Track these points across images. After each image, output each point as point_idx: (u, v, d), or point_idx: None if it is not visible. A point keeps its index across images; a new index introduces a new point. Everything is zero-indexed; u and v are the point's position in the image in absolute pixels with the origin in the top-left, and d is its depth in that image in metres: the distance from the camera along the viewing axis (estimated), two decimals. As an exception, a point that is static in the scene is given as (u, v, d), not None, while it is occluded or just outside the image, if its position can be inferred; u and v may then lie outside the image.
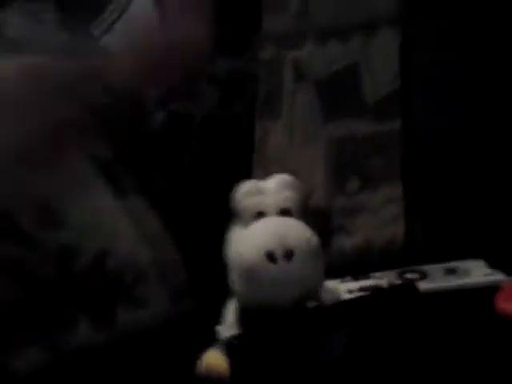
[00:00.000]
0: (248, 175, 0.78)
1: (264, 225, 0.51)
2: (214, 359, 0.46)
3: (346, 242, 0.78)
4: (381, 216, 0.80)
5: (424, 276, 0.67)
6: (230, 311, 0.54)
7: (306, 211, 0.54)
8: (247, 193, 0.52)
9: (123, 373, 0.53)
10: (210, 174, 0.75)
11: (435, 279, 0.67)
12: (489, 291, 0.62)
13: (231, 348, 0.45)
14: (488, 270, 0.69)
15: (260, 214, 0.52)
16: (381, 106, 0.81)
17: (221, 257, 0.58)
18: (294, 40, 0.77)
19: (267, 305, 0.49)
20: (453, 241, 0.76)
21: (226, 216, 0.60)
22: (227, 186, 0.62)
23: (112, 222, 0.60)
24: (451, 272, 0.68)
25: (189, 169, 0.73)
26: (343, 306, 0.52)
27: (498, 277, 0.67)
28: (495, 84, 0.78)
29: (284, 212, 0.52)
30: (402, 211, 0.79)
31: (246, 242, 0.50)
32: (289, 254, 0.49)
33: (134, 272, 0.61)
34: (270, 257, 0.49)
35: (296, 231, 0.50)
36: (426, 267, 0.70)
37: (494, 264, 0.70)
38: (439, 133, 0.80)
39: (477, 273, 0.68)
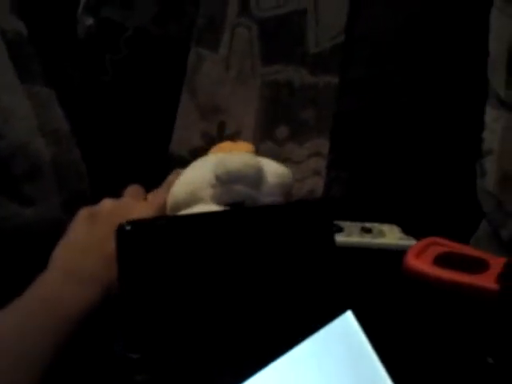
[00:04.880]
0: (175, 101, 0.74)
1: None
2: None
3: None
4: (303, 168, 0.77)
5: (340, 230, 0.65)
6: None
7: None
8: None
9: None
10: (133, 89, 0.69)
11: (351, 234, 0.65)
12: (401, 254, 0.61)
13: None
14: (401, 235, 0.68)
15: None
16: (322, 58, 0.78)
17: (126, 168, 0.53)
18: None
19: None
20: (369, 202, 0.75)
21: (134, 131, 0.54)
22: (147, 106, 0.56)
23: (10, 100, 0.53)
24: (367, 231, 0.67)
25: (112, 79, 0.68)
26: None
27: (411, 241, 0.66)
28: (442, 53, 0.77)
29: None
30: (325, 166, 0.77)
31: None
32: None
33: (26, 165, 0.54)
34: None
35: None
36: (341, 223, 0.68)
37: (406, 230, 0.69)
38: (375, 94, 0.78)
39: (391, 236, 0.67)
